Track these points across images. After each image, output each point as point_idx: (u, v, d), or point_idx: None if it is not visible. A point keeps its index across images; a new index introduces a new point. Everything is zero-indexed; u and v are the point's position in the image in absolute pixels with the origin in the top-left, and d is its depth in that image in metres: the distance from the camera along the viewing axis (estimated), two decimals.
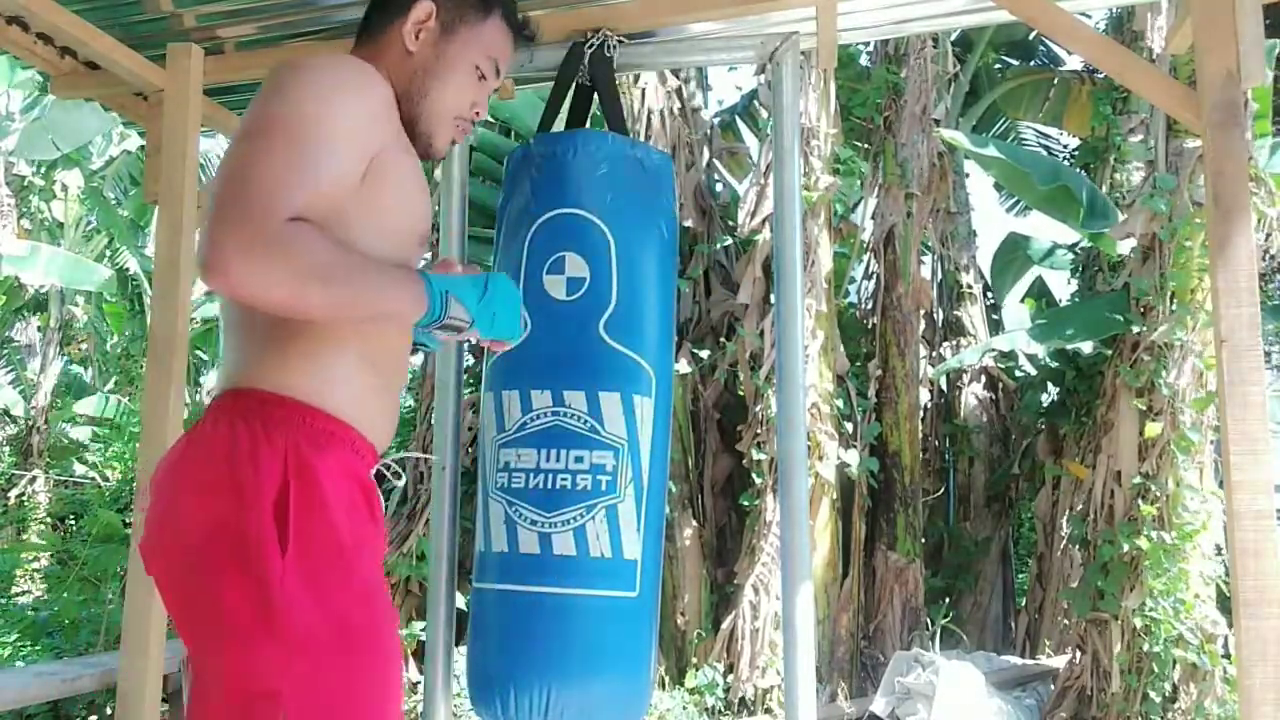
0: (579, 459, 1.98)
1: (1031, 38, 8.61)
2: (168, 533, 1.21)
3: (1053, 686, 5.30)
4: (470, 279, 1.35)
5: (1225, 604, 4.37)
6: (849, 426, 6.02)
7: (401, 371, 1.40)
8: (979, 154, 5.67)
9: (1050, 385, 6.74)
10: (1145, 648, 4.57)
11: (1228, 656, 4.46)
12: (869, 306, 6.92)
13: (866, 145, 6.89)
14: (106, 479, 9.41)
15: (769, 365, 5.70)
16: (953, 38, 7.90)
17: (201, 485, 1.18)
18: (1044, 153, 9.41)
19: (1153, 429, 4.81)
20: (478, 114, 1.48)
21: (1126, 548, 4.69)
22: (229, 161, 1.16)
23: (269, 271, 1.09)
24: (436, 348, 1.70)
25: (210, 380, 12.40)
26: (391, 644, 1.23)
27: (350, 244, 1.21)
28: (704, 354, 6.32)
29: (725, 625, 5.58)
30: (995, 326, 8.23)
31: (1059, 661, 5.58)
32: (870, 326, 6.75)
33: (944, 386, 7.90)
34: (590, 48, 2.29)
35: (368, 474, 1.29)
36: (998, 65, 9.02)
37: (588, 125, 2.39)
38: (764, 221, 6.04)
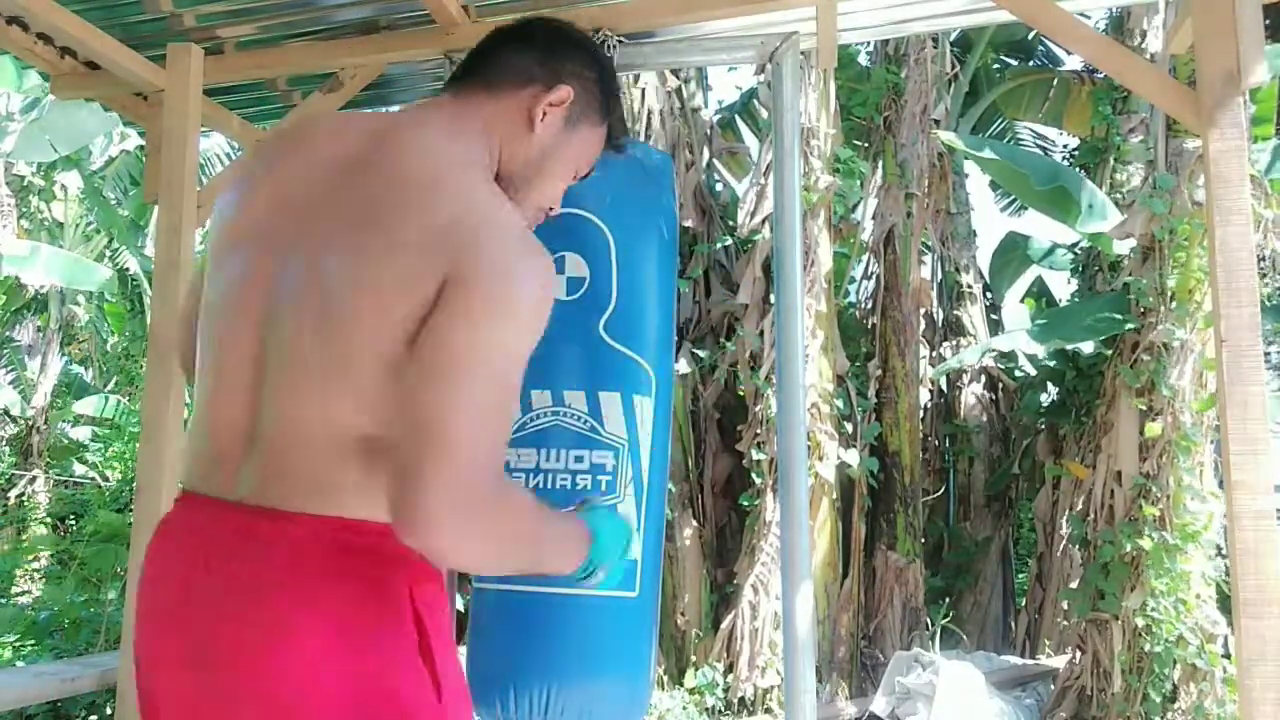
0: (579, 459, 1.98)
1: (1031, 38, 8.61)
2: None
3: (1053, 686, 5.30)
4: (614, 529, 1.25)
5: (1225, 604, 4.37)
6: (849, 426, 6.02)
7: None
8: (977, 155, 5.67)
9: (1050, 385, 6.75)
10: (1145, 648, 4.57)
11: (1228, 656, 4.46)
12: (869, 306, 6.93)
13: (866, 145, 6.89)
14: (106, 479, 9.41)
15: (769, 365, 5.70)
16: (952, 38, 7.91)
17: (321, 646, 1.00)
18: (1040, 153, 9.42)
19: (1153, 429, 4.81)
20: (552, 210, 1.37)
21: (1128, 548, 4.69)
22: (434, 387, 0.97)
23: (478, 539, 0.98)
24: None
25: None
26: None
27: None
28: (704, 354, 6.32)
29: (725, 625, 5.58)
30: (995, 326, 8.23)
31: (1059, 661, 5.58)
32: (870, 326, 6.75)
33: (944, 386, 7.90)
34: None
35: None
36: (997, 65, 9.02)
37: None
38: (764, 221, 6.05)
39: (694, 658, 5.71)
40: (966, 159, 7.36)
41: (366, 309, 1.01)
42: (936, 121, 6.73)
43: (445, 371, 0.97)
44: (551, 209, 1.36)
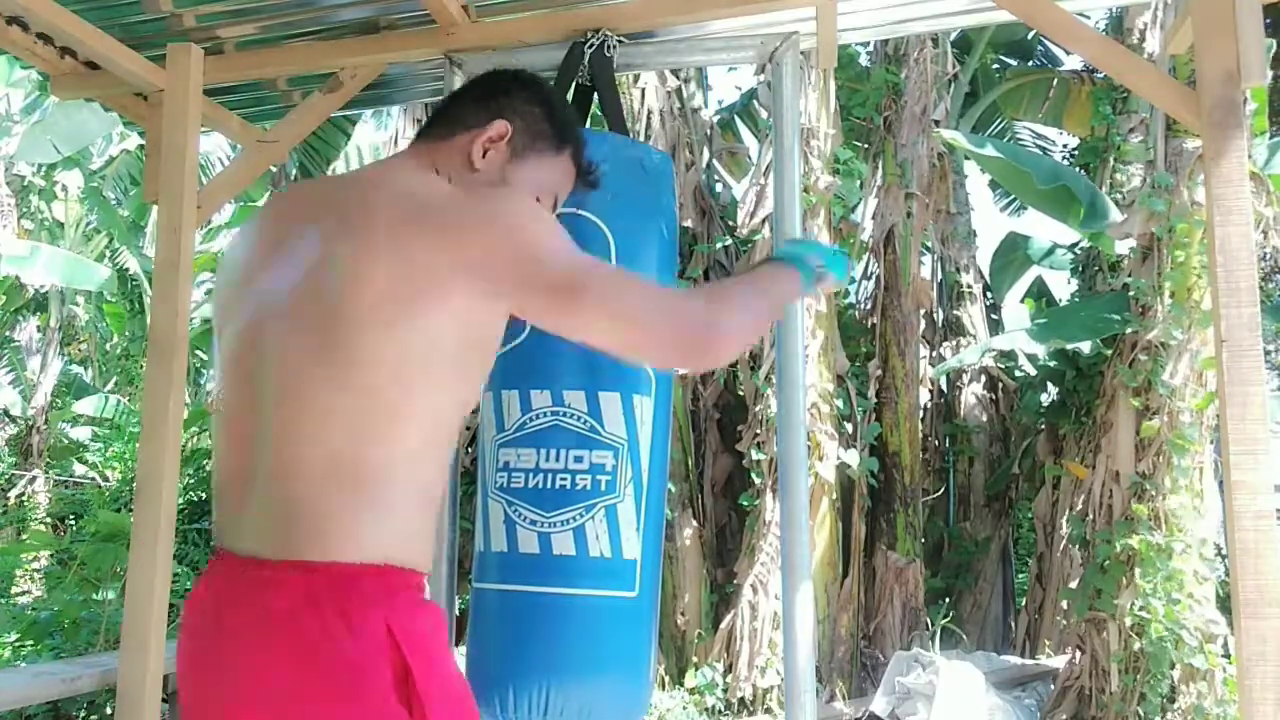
0: (579, 459, 1.97)
1: (1031, 38, 8.62)
2: None
3: (1053, 686, 5.30)
4: (782, 248, 1.48)
5: (1225, 604, 4.36)
6: (849, 426, 6.02)
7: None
8: (978, 154, 5.66)
9: (1050, 385, 6.75)
10: (1145, 648, 4.57)
11: (1227, 656, 4.46)
12: (869, 306, 6.92)
13: (866, 145, 6.89)
14: (106, 479, 9.41)
15: (769, 365, 5.70)
16: (952, 38, 7.91)
17: (301, 696, 1.03)
18: (1041, 153, 9.42)
19: (1149, 428, 4.81)
20: None
21: (1127, 546, 4.69)
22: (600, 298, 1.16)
23: (733, 327, 1.20)
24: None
25: (211, 380, 12.38)
26: None
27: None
28: None
29: (724, 625, 5.58)
30: (995, 326, 8.23)
31: (1059, 661, 5.58)
32: (870, 326, 6.75)
33: (944, 386, 7.91)
34: (590, 48, 2.29)
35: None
36: (997, 65, 9.02)
37: (588, 125, 2.39)
38: (764, 221, 6.05)
39: (694, 658, 5.71)
40: (968, 158, 7.36)
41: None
42: (936, 121, 6.73)
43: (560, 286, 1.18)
44: None
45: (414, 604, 1.11)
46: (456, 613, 2.35)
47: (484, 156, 1.33)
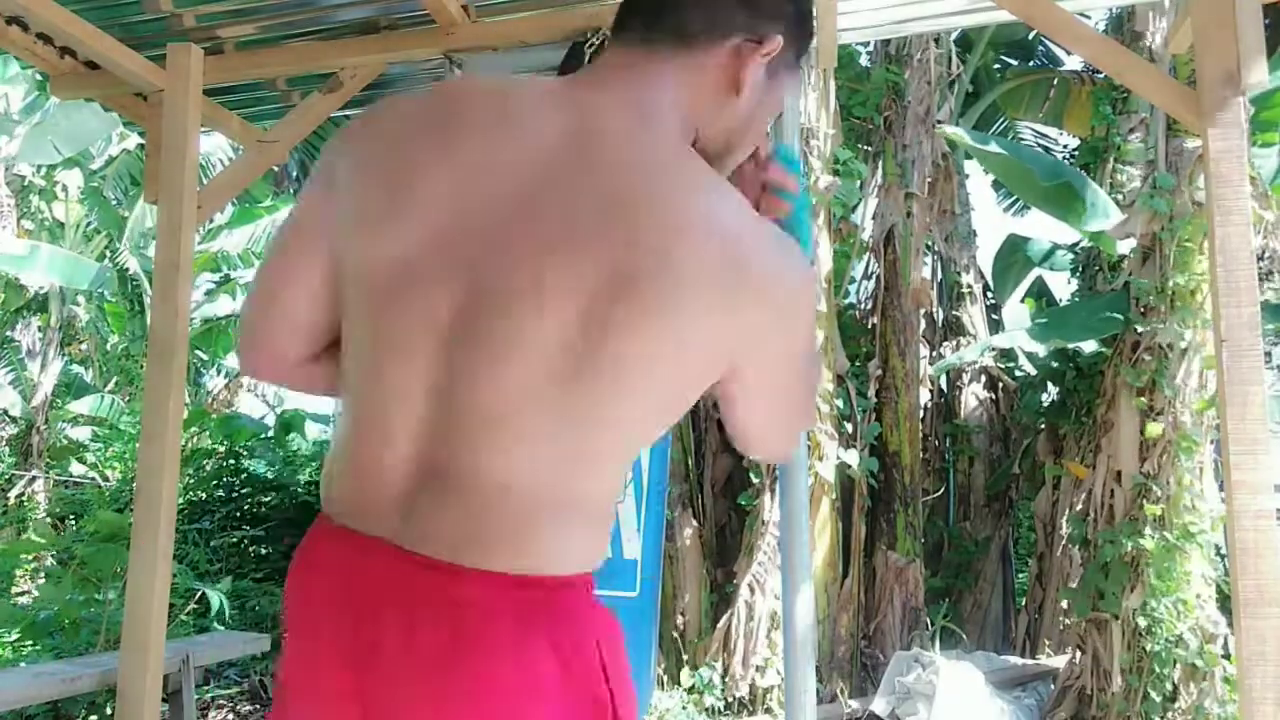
0: None
1: (1031, 38, 8.62)
2: None
3: (1053, 686, 5.30)
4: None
5: (1226, 604, 4.37)
6: (849, 426, 6.02)
7: None
8: (981, 151, 5.65)
9: (1050, 385, 6.74)
10: (1146, 648, 4.57)
11: (1228, 656, 4.46)
12: (869, 306, 6.93)
13: (867, 146, 6.89)
14: (106, 479, 9.41)
15: None
16: (953, 37, 7.91)
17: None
18: (1043, 152, 9.42)
19: (1154, 429, 4.81)
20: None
21: (1128, 547, 4.69)
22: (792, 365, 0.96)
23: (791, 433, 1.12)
24: None
25: (211, 380, 12.39)
26: None
27: None
28: None
29: (722, 624, 5.58)
30: (995, 326, 8.22)
31: (1059, 661, 5.58)
32: (870, 326, 6.76)
33: (944, 386, 7.90)
34: (590, 48, 2.30)
35: None
36: (997, 65, 9.02)
37: None
38: None
39: (689, 657, 5.71)
40: (970, 156, 7.35)
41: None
42: (939, 121, 6.73)
43: (794, 350, 0.99)
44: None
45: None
46: None
47: (748, 80, 0.96)
